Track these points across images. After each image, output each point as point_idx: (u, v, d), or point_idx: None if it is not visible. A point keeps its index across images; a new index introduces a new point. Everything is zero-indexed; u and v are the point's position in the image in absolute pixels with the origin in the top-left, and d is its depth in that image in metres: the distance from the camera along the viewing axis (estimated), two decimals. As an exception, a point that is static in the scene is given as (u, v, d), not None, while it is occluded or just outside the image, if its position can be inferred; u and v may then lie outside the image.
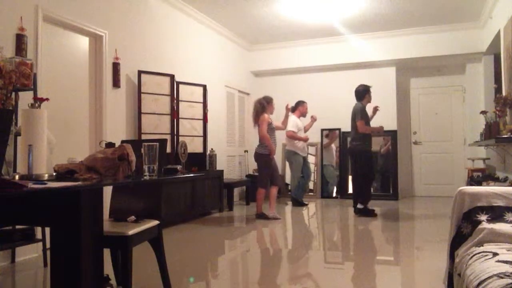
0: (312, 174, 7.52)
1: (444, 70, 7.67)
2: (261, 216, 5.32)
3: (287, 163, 7.13)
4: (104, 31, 4.37)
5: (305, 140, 6.46)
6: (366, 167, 5.53)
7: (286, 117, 5.92)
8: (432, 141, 7.72)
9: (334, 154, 7.82)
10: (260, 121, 5.34)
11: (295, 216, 5.88)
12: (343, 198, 7.42)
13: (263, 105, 5.41)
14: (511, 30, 4.93)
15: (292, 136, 6.36)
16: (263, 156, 5.31)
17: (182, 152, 5.28)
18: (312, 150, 7.81)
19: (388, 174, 7.54)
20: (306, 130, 6.58)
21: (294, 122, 6.39)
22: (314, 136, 7.79)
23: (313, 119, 6.52)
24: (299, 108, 6.57)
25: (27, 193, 1.46)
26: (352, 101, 7.55)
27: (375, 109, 5.80)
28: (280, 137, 6.55)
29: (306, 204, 6.59)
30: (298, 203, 6.54)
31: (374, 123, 5.82)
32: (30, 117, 1.79)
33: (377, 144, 7.56)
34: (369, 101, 5.73)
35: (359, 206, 5.53)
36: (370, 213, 5.48)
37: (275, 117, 6.16)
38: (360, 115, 5.53)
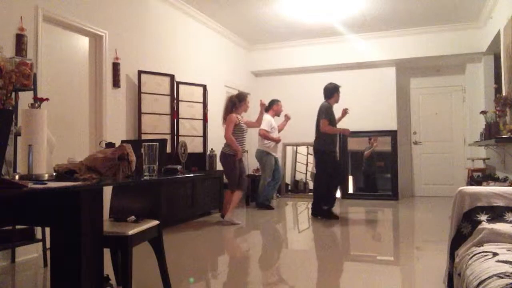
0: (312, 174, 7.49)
1: (444, 70, 7.67)
2: (228, 220, 4.99)
3: (286, 162, 7.12)
4: (104, 31, 4.37)
5: (277, 141, 6.29)
6: (331, 168, 5.32)
7: (261, 113, 5.45)
8: (432, 141, 7.72)
9: None
10: (227, 121, 5.04)
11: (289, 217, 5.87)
12: (343, 198, 7.42)
13: (234, 103, 5.07)
14: (511, 30, 4.93)
15: (264, 135, 6.21)
16: (229, 157, 5.00)
17: (182, 152, 5.28)
18: (312, 150, 7.81)
19: (374, 176, 7.61)
20: (280, 130, 6.42)
21: (268, 122, 6.23)
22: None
23: (287, 118, 6.30)
24: (273, 107, 6.43)
25: (27, 193, 1.46)
26: (353, 101, 7.62)
27: (345, 112, 5.60)
28: (281, 137, 6.53)
29: (273, 208, 6.24)
30: (265, 206, 6.21)
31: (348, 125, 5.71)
32: (30, 117, 1.79)
33: (363, 146, 7.60)
34: (337, 101, 5.52)
35: (324, 207, 5.31)
36: (333, 216, 5.27)
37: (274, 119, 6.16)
38: (324, 114, 5.33)
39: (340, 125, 5.66)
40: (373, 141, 7.61)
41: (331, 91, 5.50)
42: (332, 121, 5.40)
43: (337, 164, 5.50)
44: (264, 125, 6.14)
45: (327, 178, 5.33)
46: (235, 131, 4.99)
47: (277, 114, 6.46)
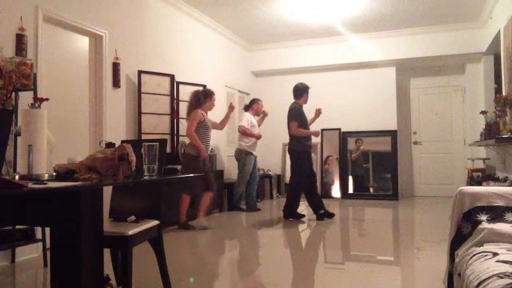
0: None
1: (444, 70, 7.68)
2: (184, 225, 4.70)
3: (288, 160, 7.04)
4: (104, 31, 4.37)
5: (258, 137, 6.07)
6: (308, 168, 5.23)
7: (227, 116, 5.23)
8: (432, 141, 7.73)
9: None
10: (190, 117, 4.70)
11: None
12: (344, 198, 7.42)
13: (199, 99, 4.76)
14: (511, 30, 4.93)
15: (244, 132, 5.99)
16: (191, 157, 4.66)
17: (182, 152, 5.28)
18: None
19: (363, 175, 7.62)
20: (257, 126, 6.26)
21: (247, 119, 6.08)
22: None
23: (264, 114, 6.19)
24: (253, 106, 6.27)
25: (27, 193, 1.46)
26: (353, 101, 7.64)
27: (318, 112, 5.49)
28: (283, 134, 6.52)
29: (244, 210, 6.08)
30: (238, 208, 6.09)
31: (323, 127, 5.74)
32: (30, 117, 1.79)
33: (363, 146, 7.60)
34: (306, 102, 5.44)
35: (321, 211, 5.25)
36: (326, 216, 5.24)
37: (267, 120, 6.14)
38: (294, 116, 5.24)
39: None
40: (360, 144, 7.61)
41: (301, 91, 5.40)
42: (304, 123, 5.30)
43: (312, 163, 5.41)
44: (243, 122, 6.05)
45: (307, 178, 5.22)
46: (199, 128, 4.71)
47: (257, 113, 6.29)
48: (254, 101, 6.35)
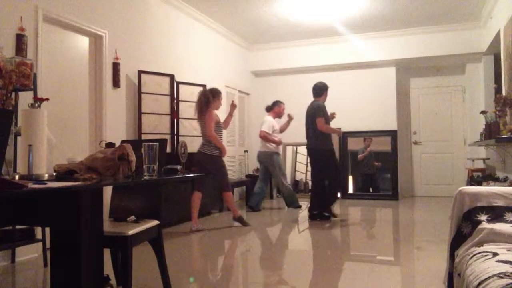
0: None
1: (444, 70, 7.68)
2: (240, 219, 4.84)
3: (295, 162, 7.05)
4: (104, 31, 4.37)
5: (279, 143, 6.10)
6: (329, 168, 5.22)
7: (230, 116, 5.08)
8: (432, 141, 7.72)
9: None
10: (207, 119, 4.63)
11: (287, 217, 5.87)
12: (344, 198, 7.42)
13: (208, 99, 4.69)
14: (511, 30, 4.93)
15: (264, 137, 6.01)
16: (215, 158, 4.66)
17: (182, 152, 5.28)
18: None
19: (374, 173, 7.61)
20: (282, 130, 6.26)
21: (270, 123, 6.08)
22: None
23: (290, 118, 6.12)
24: (274, 108, 6.25)
25: (27, 193, 1.46)
26: (353, 101, 7.63)
27: (332, 116, 5.47)
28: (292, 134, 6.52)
29: (300, 206, 6.20)
30: (296, 206, 6.14)
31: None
32: (30, 117, 1.79)
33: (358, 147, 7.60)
34: (325, 101, 5.47)
35: (326, 213, 5.23)
36: (327, 217, 5.22)
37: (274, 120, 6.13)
38: (320, 113, 5.23)
39: (338, 124, 5.58)
40: (368, 142, 7.60)
41: (322, 90, 5.44)
42: (327, 121, 5.33)
43: (335, 163, 5.40)
44: (265, 127, 6.05)
45: (329, 177, 5.23)
46: (215, 129, 4.67)
47: (278, 116, 6.28)
48: (276, 103, 6.32)
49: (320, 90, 5.45)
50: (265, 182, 6.31)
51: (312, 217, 5.26)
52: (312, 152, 5.39)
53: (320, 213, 5.25)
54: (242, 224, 4.84)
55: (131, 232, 2.11)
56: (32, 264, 3.32)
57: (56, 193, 1.59)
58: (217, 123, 4.70)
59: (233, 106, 5.05)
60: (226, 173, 4.77)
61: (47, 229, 3.07)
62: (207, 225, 4.97)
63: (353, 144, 7.71)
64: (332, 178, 5.26)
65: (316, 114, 5.25)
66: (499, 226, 1.81)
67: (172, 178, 2.41)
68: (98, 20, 4.31)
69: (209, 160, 4.64)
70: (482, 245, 1.73)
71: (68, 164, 1.91)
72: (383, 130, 7.45)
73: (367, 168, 7.63)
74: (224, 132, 6.73)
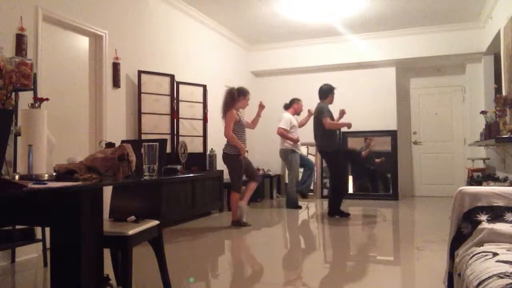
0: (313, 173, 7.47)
1: (444, 70, 7.67)
2: (237, 223, 4.83)
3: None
4: (104, 31, 4.37)
5: (296, 141, 6.17)
6: (339, 167, 5.37)
7: (258, 115, 5.14)
8: (432, 141, 7.72)
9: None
10: (227, 118, 4.75)
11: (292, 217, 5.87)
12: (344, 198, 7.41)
13: (233, 97, 4.78)
14: (511, 30, 4.93)
15: (282, 134, 6.13)
16: (232, 157, 4.76)
17: (182, 152, 5.28)
18: (312, 150, 7.81)
19: (376, 169, 7.59)
20: (301, 125, 6.34)
21: (288, 120, 6.17)
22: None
23: (310, 113, 6.13)
24: (293, 106, 6.38)
25: (27, 193, 1.46)
26: (353, 101, 7.62)
27: (342, 112, 5.58)
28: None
29: (301, 207, 6.27)
30: (296, 206, 6.21)
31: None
32: (30, 117, 1.79)
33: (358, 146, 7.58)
34: (331, 102, 5.57)
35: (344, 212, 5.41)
36: (344, 215, 5.40)
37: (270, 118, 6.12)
38: (325, 113, 5.36)
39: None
40: (370, 141, 7.59)
41: (326, 92, 5.55)
42: (333, 119, 5.46)
43: (344, 162, 5.57)
44: (282, 124, 6.13)
45: (342, 176, 5.45)
46: (236, 128, 4.76)
47: (297, 112, 6.39)
48: (294, 101, 6.42)
49: (325, 92, 5.57)
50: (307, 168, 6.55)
51: (332, 213, 5.41)
52: (322, 154, 5.64)
53: (340, 212, 5.39)
54: (240, 225, 4.83)
55: (131, 232, 2.11)
56: (32, 264, 3.32)
57: (56, 193, 1.59)
58: (237, 122, 4.77)
59: (261, 106, 5.11)
60: (240, 174, 4.82)
61: (47, 229, 3.07)
62: (207, 225, 4.97)
63: (353, 144, 7.69)
64: (343, 177, 5.48)
65: (321, 115, 5.37)
66: (499, 226, 1.80)
67: (172, 178, 2.41)
68: (98, 20, 4.31)
69: (227, 158, 4.81)
70: (482, 245, 1.73)
71: (68, 164, 1.91)
72: (383, 130, 7.45)
73: (369, 165, 7.63)
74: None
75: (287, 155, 6.24)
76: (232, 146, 4.76)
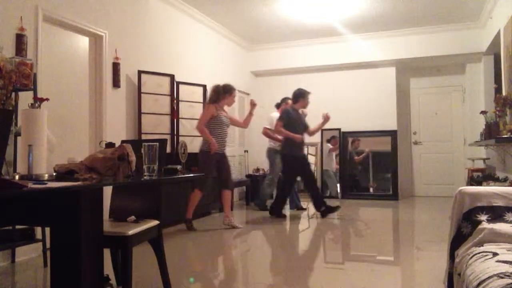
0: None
1: (444, 70, 7.67)
2: (188, 222, 4.63)
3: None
4: (104, 31, 4.37)
5: (279, 141, 5.96)
6: (289, 173, 5.43)
7: (250, 114, 4.98)
8: (432, 141, 7.73)
9: (334, 159, 7.75)
10: (203, 112, 4.67)
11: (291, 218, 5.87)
12: (343, 198, 7.42)
13: (218, 94, 4.66)
14: (511, 30, 4.93)
15: (266, 134, 6.03)
16: (202, 152, 4.60)
17: (182, 152, 5.28)
18: (312, 150, 7.81)
19: (357, 178, 7.67)
20: (312, 132, 6.06)
21: (271, 120, 6.05)
22: (315, 136, 7.77)
23: (303, 114, 5.83)
24: (283, 105, 6.21)
25: (27, 193, 1.46)
26: (353, 101, 7.63)
27: (326, 117, 5.49)
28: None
29: (266, 209, 5.85)
30: (263, 207, 6.01)
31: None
32: (30, 117, 1.79)
33: (363, 146, 7.58)
34: (304, 106, 5.56)
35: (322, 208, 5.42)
36: (281, 215, 5.46)
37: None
38: (280, 117, 5.42)
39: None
40: (357, 143, 7.63)
41: (297, 96, 5.55)
42: (294, 125, 5.38)
43: (297, 170, 5.46)
44: (268, 124, 6.10)
45: (290, 182, 5.49)
46: (212, 124, 4.59)
47: None
48: (284, 100, 6.30)
49: (295, 96, 5.57)
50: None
51: (322, 214, 5.40)
52: (281, 157, 5.61)
53: (327, 208, 5.38)
54: (188, 227, 4.64)
55: (131, 232, 2.11)
56: (32, 264, 3.32)
57: (56, 193, 1.58)
58: (214, 118, 4.60)
59: (253, 105, 4.94)
60: (207, 172, 4.50)
61: (47, 229, 3.07)
62: (207, 225, 4.97)
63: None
64: (288, 183, 5.51)
65: (278, 118, 5.46)
66: (499, 226, 1.80)
67: (172, 178, 2.41)
68: (98, 20, 4.30)
69: (200, 155, 4.66)
70: (482, 245, 1.73)
71: (68, 164, 1.91)
72: (383, 130, 7.45)
73: (356, 170, 7.69)
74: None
75: (269, 153, 6.16)
76: (205, 142, 4.60)
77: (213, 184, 5.75)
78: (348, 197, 7.45)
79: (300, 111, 5.67)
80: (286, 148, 5.45)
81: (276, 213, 5.48)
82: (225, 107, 4.92)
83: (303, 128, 5.55)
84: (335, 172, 7.66)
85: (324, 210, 5.39)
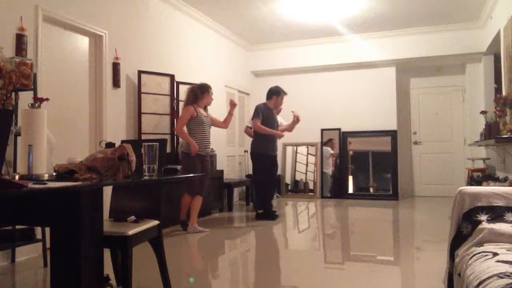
0: (312, 174, 7.49)
1: (444, 70, 7.68)
2: (182, 223, 4.60)
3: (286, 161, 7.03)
4: (104, 31, 4.37)
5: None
6: (261, 173, 5.25)
7: (230, 114, 4.88)
8: (432, 141, 7.73)
9: (331, 162, 7.74)
10: (181, 114, 4.55)
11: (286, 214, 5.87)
12: (343, 198, 7.42)
13: (196, 95, 4.55)
14: (511, 30, 4.93)
15: (247, 132, 5.80)
16: (184, 155, 4.48)
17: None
18: (312, 150, 7.81)
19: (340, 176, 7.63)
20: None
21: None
22: (314, 136, 7.79)
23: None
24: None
25: (27, 193, 1.46)
26: (353, 101, 7.64)
27: (296, 119, 5.38)
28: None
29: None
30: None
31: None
32: (30, 117, 1.78)
33: (364, 146, 7.58)
34: (277, 106, 5.45)
35: (259, 211, 5.31)
36: (271, 216, 5.25)
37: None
38: (256, 113, 5.24)
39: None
40: (332, 144, 7.67)
41: (270, 94, 5.45)
42: (268, 122, 5.28)
43: (269, 168, 5.32)
44: (249, 122, 5.94)
45: (264, 182, 5.28)
46: (192, 124, 4.49)
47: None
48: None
49: (269, 93, 5.47)
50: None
51: (258, 216, 5.29)
52: (250, 156, 5.42)
53: (267, 212, 5.26)
54: (183, 228, 4.57)
55: (131, 232, 2.11)
56: (32, 264, 3.32)
57: (56, 193, 1.58)
58: (194, 118, 4.49)
59: (232, 105, 4.86)
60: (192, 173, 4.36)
61: (47, 229, 3.07)
62: (207, 225, 4.96)
63: (354, 144, 7.71)
64: (267, 184, 5.30)
65: (253, 115, 5.29)
66: (499, 226, 1.81)
67: (172, 178, 2.41)
68: (98, 20, 4.30)
69: (182, 158, 4.53)
70: (482, 245, 1.73)
71: (68, 164, 1.91)
72: (383, 130, 7.45)
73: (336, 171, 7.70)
74: (224, 132, 6.77)
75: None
76: (186, 144, 4.48)
77: (211, 184, 5.77)
78: (348, 197, 7.45)
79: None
80: (260, 147, 5.25)
81: (267, 216, 5.26)
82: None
83: (276, 126, 5.43)
84: (331, 175, 7.65)
85: (261, 214, 5.26)
